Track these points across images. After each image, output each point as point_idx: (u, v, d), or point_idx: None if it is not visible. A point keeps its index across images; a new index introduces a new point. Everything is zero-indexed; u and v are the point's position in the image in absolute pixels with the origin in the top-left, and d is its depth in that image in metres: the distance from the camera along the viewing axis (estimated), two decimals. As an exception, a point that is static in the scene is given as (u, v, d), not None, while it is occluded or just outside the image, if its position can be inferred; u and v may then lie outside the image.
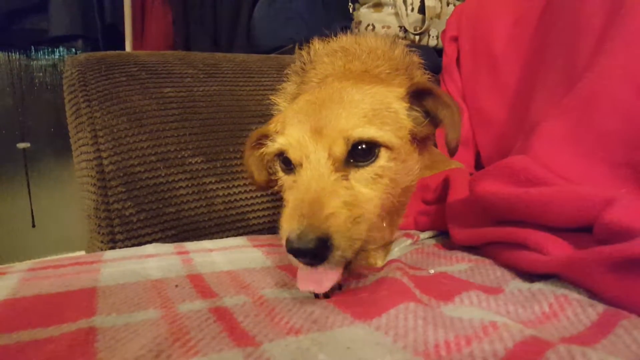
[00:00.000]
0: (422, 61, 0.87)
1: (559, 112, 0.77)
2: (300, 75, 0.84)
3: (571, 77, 0.85)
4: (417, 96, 0.63)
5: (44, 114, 2.41)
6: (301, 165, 0.56)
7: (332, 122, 0.56)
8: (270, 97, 0.67)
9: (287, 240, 0.48)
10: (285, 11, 1.72)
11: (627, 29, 0.73)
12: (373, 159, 0.57)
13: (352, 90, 0.61)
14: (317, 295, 0.54)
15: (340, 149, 0.55)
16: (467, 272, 0.63)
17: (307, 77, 0.80)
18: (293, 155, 0.57)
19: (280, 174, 0.63)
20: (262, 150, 0.68)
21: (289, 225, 0.49)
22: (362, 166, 0.56)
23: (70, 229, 2.21)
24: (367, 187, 0.56)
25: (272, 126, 0.67)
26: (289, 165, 0.60)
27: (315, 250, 0.47)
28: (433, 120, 0.64)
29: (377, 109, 0.59)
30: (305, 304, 0.51)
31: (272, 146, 0.61)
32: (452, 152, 0.64)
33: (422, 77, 0.84)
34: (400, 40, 0.86)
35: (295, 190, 0.54)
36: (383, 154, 0.57)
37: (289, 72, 0.91)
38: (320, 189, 0.51)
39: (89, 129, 0.99)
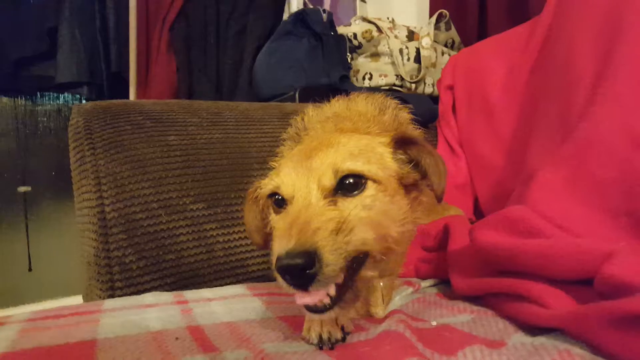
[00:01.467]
0: (412, 117, 0.90)
1: (556, 161, 0.79)
2: (295, 142, 0.87)
3: (566, 125, 0.87)
4: (401, 144, 0.66)
5: (46, 158, 2.43)
6: (292, 199, 0.57)
7: (322, 158, 0.59)
8: (270, 162, 0.69)
9: (277, 259, 0.48)
10: (286, 61, 1.77)
11: (619, 79, 0.75)
12: (361, 189, 0.58)
13: (340, 136, 0.65)
14: (321, 347, 0.54)
15: (328, 180, 0.57)
16: (470, 324, 0.63)
17: (310, 136, 0.83)
18: (285, 191, 0.59)
19: (273, 215, 0.64)
20: (257, 195, 0.70)
21: (278, 245, 0.49)
22: (351, 196, 0.58)
23: (67, 274, 2.19)
24: (355, 214, 0.56)
25: (268, 179, 0.68)
26: (281, 206, 0.61)
27: (303, 265, 0.47)
28: (419, 168, 0.66)
29: (363, 149, 0.62)
30: (307, 359, 0.50)
31: (267, 187, 0.63)
32: (439, 199, 0.66)
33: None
34: (390, 101, 0.89)
35: (285, 217, 0.55)
36: (370, 185, 0.59)
37: (285, 137, 0.93)
38: (309, 214, 0.52)
39: (92, 177, 1.00)
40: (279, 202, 0.61)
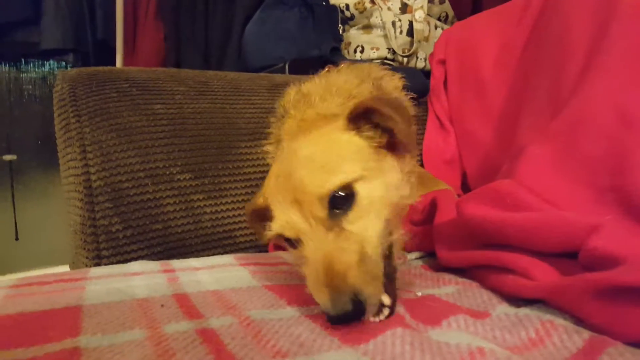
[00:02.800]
0: (403, 83, 0.88)
1: (545, 137, 0.79)
2: (281, 122, 0.86)
3: (557, 102, 0.86)
4: (360, 119, 0.63)
5: (32, 127, 2.39)
6: (300, 240, 0.57)
7: (300, 187, 0.57)
8: (263, 148, 0.67)
9: (327, 315, 0.50)
10: (276, 31, 1.74)
11: (611, 57, 0.75)
12: (353, 197, 0.57)
13: (303, 146, 0.62)
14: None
15: (319, 211, 0.56)
16: (454, 295, 0.63)
17: (284, 127, 0.81)
18: (290, 235, 0.58)
19: (290, 250, 0.62)
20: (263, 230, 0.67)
21: (319, 300, 0.51)
22: (347, 209, 0.56)
23: (54, 243, 2.18)
24: (363, 223, 0.56)
25: (261, 201, 0.67)
26: (291, 242, 0.60)
27: (352, 312, 0.48)
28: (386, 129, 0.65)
29: (328, 150, 0.61)
30: (292, 326, 0.51)
31: (271, 234, 0.61)
32: (405, 150, 0.66)
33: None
34: (374, 70, 0.86)
35: (307, 264, 0.55)
36: (358, 187, 0.57)
37: (272, 119, 0.92)
38: (326, 253, 0.52)
39: (77, 144, 0.98)
40: (287, 239, 0.60)
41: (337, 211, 0.56)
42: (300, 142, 0.64)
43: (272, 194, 0.62)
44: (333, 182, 0.56)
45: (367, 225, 0.56)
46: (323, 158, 0.59)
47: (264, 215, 0.66)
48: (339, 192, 0.56)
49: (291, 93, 0.88)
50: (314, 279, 0.52)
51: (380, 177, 0.60)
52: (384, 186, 0.60)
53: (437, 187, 1.15)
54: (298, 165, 0.59)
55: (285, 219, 0.58)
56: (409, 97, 0.91)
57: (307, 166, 0.58)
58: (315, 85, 0.85)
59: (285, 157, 0.64)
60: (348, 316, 0.49)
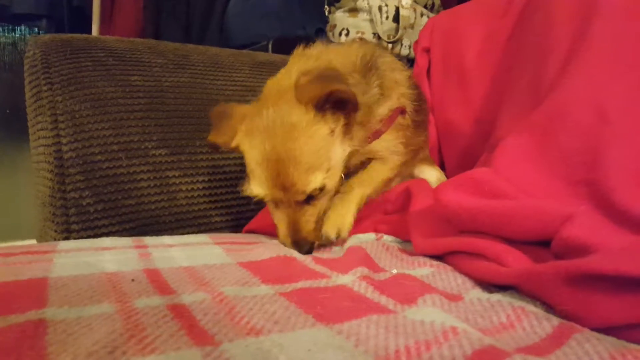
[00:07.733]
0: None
1: (523, 128, 0.80)
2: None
3: (537, 95, 0.87)
4: (324, 103, 0.77)
5: (0, 95, 2.30)
6: (277, 204, 0.81)
7: (290, 182, 0.76)
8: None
9: (285, 244, 0.80)
10: (261, 8, 1.70)
11: (591, 54, 0.76)
12: (319, 196, 0.81)
13: (289, 143, 0.75)
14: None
15: (301, 198, 0.78)
16: (429, 277, 0.64)
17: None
18: (269, 200, 0.82)
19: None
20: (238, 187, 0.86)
21: (285, 238, 0.80)
22: (313, 202, 0.81)
23: (21, 216, 2.11)
24: (320, 203, 0.82)
25: (248, 185, 0.83)
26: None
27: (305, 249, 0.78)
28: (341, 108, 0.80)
29: (308, 151, 0.76)
30: (266, 304, 0.50)
31: (249, 191, 0.81)
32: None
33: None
34: (372, 49, 0.98)
35: (280, 218, 0.81)
36: (326, 181, 0.79)
37: None
38: (296, 219, 0.80)
39: (49, 113, 0.95)
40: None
41: (311, 198, 0.80)
42: (284, 131, 0.76)
43: (256, 163, 0.78)
44: (316, 182, 0.77)
45: (323, 204, 0.83)
46: (307, 159, 0.76)
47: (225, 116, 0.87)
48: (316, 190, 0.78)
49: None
50: (284, 228, 0.80)
51: (338, 170, 0.83)
52: (337, 176, 0.83)
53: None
54: (287, 161, 0.75)
55: (269, 193, 0.79)
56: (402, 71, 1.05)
57: (295, 166, 0.75)
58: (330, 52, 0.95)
59: (271, 138, 0.77)
60: (308, 252, 0.77)
